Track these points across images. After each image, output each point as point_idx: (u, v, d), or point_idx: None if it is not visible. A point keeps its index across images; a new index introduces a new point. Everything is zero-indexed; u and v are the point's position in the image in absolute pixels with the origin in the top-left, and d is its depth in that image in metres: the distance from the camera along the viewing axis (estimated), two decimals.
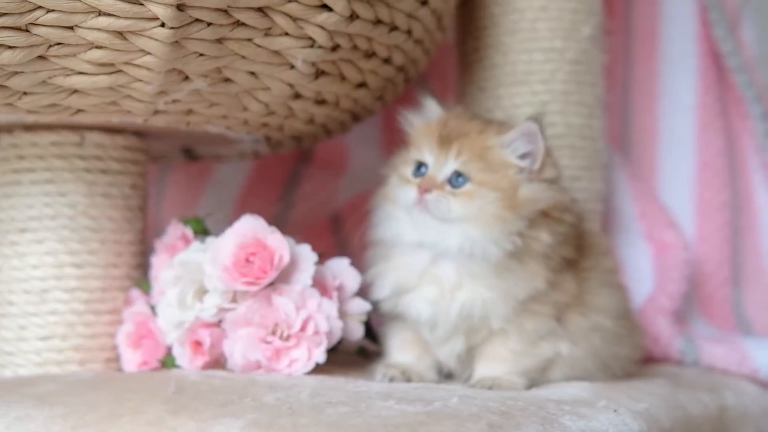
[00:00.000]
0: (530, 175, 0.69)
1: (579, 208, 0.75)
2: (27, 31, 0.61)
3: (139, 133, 0.81)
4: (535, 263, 0.69)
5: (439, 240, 0.69)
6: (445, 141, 0.70)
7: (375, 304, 0.74)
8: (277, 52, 0.68)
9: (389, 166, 0.75)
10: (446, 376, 0.74)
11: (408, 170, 0.71)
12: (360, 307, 0.75)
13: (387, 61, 0.78)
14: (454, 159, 0.69)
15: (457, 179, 0.69)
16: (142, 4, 0.61)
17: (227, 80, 0.69)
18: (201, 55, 0.65)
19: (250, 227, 0.72)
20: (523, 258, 0.69)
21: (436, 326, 0.71)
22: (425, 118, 0.74)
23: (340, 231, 1.14)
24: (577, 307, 0.72)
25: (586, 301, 0.72)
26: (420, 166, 0.71)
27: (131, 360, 0.77)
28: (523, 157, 0.69)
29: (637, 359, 0.82)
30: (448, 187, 0.69)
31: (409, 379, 0.71)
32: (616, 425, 0.60)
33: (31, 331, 0.76)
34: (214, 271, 0.70)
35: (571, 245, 0.71)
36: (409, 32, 0.76)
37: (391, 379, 0.71)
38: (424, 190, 0.68)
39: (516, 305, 0.69)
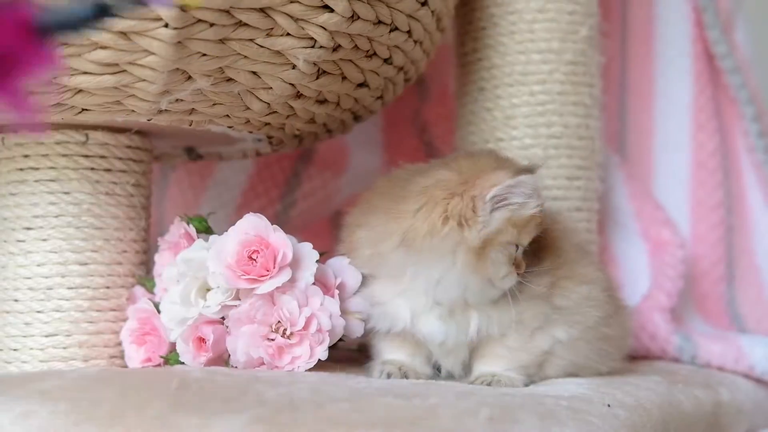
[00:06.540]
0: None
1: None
2: None
3: (143, 133, 0.81)
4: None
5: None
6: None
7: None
8: (278, 52, 0.69)
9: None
10: (446, 377, 0.75)
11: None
12: (360, 305, 0.75)
13: (387, 61, 0.78)
14: None
15: None
16: (145, 5, 0.62)
17: (229, 80, 0.69)
18: (204, 55, 0.66)
19: (252, 225, 0.72)
20: None
21: (445, 343, 0.71)
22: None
23: (340, 230, 1.15)
24: (567, 275, 0.72)
25: (570, 268, 0.73)
26: None
27: (135, 356, 0.77)
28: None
29: (628, 343, 0.83)
30: None
31: (405, 375, 0.72)
32: (611, 421, 0.61)
33: (36, 327, 0.76)
34: (218, 268, 0.71)
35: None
36: (409, 33, 0.77)
37: (389, 375, 0.71)
38: None
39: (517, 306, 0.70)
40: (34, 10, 0.41)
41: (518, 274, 0.68)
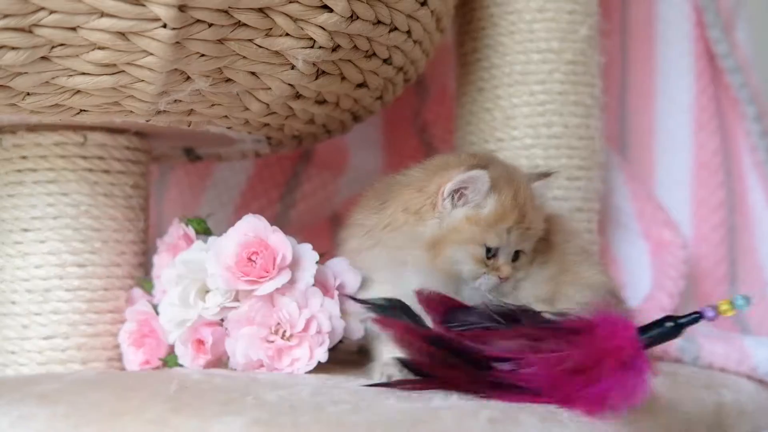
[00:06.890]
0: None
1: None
2: (30, 32, 0.62)
3: (141, 134, 0.81)
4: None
5: None
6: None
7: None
8: (277, 53, 0.69)
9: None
10: None
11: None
12: (360, 306, 0.75)
13: (387, 61, 0.78)
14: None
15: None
16: (143, 5, 0.61)
17: (228, 80, 0.69)
18: (202, 55, 0.66)
19: (252, 226, 0.72)
20: None
21: None
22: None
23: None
24: (570, 281, 0.72)
25: (573, 272, 0.73)
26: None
27: (133, 359, 0.77)
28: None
29: None
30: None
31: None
32: (612, 422, 0.61)
33: (34, 330, 0.76)
34: (217, 270, 0.71)
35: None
36: (408, 33, 0.77)
37: (389, 377, 0.71)
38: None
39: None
40: (637, 328, 0.58)
41: (503, 278, 0.68)
